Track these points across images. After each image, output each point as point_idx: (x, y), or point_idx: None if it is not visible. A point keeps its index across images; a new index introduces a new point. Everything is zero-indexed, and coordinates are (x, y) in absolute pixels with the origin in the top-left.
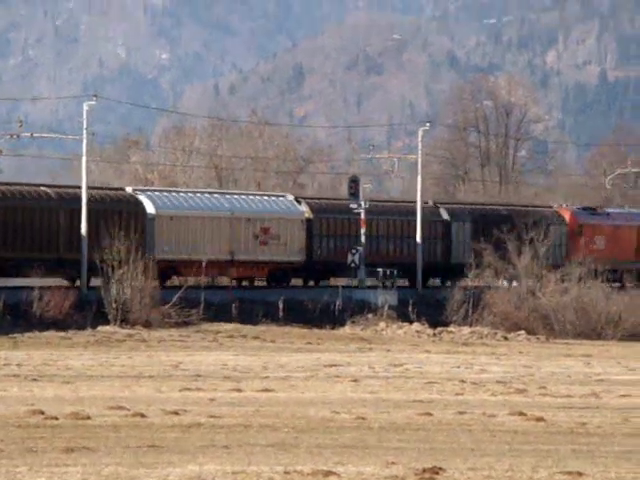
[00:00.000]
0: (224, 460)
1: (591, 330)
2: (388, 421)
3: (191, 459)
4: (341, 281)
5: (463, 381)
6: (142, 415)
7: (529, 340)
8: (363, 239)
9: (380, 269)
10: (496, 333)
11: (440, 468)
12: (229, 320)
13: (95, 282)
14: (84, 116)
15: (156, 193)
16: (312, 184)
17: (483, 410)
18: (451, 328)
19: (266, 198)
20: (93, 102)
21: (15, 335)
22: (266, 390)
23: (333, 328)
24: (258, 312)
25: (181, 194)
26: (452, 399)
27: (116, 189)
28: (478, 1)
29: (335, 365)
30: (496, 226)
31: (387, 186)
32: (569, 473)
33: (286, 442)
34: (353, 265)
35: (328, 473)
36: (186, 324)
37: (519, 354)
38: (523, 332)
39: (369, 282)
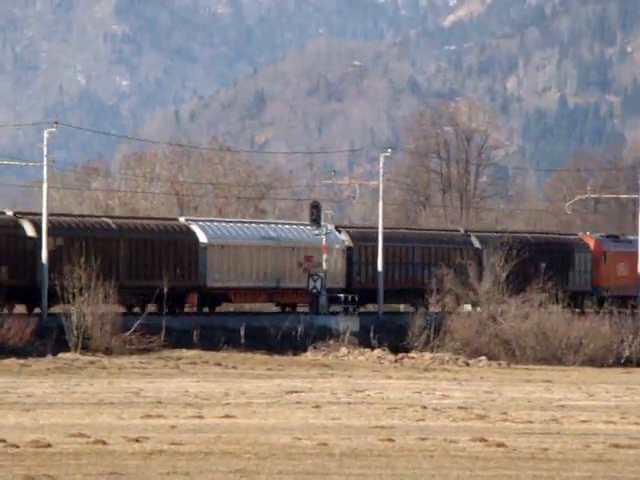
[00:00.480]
0: None
1: (552, 355)
2: (350, 447)
3: None
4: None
5: (425, 407)
6: (103, 442)
7: (490, 366)
8: (325, 265)
9: (342, 295)
10: (458, 359)
11: None
12: (191, 346)
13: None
14: (45, 143)
15: (207, 223)
16: (273, 210)
17: (445, 436)
18: (413, 354)
19: (309, 228)
20: (54, 129)
21: None
22: (228, 417)
23: (295, 354)
24: (220, 338)
25: (230, 224)
26: (414, 425)
27: (169, 219)
28: (438, 27)
29: (297, 391)
30: (525, 253)
31: (348, 212)
32: None
33: (248, 469)
34: (315, 291)
35: None
36: (147, 351)
37: (480, 380)
38: (484, 358)
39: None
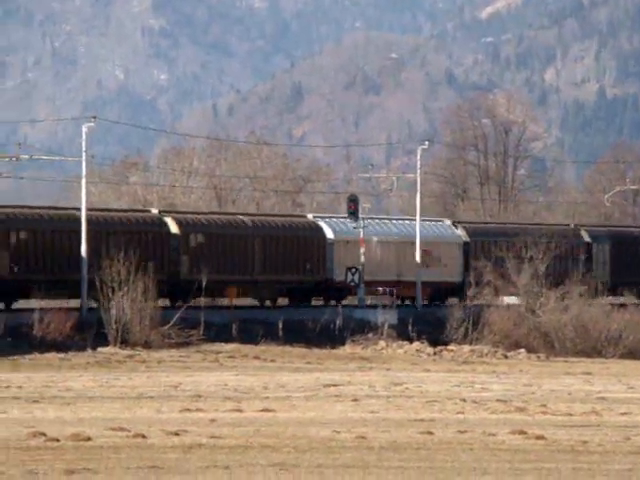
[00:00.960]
0: None
1: (591, 348)
2: (389, 440)
3: None
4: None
5: (464, 400)
6: (143, 436)
7: (529, 358)
8: (362, 258)
9: (380, 288)
10: (496, 351)
11: None
12: (229, 340)
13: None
14: (83, 138)
15: (333, 219)
16: (311, 203)
17: (484, 429)
18: (451, 347)
19: (427, 223)
20: (92, 124)
21: (16, 357)
22: (267, 410)
23: (333, 347)
24: (258, 332)
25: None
26: (453, 418)
27: (298, 216)
28: (476, 19)
29: (335, 385)
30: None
31: (386, 205)
32: None
33: (287, 462)
34: (353, 284)
35: None
36: (186, 344)
37: (519, 372)
38: (523, 350)
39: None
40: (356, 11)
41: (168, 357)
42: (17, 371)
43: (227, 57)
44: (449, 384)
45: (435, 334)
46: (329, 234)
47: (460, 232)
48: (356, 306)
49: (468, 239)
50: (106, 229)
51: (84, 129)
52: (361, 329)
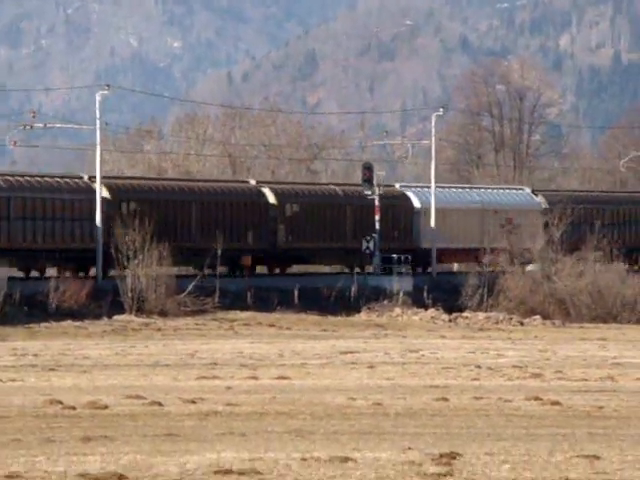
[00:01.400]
0: (241, 447)
1: (607, 314)
2: (404, 407)
3: (209, 447)
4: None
5: (479, 366)
6: (159, 404)
7: (544, 324)
8: (377, 226)
9: (395, 255)
10: (511, 318)
11: (457, 453)
12: (245, 308)
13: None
14: (97, 106)
15: (418, 189)
16: (326, 171)
17: (499, 395)
18: (466, 313)
19: (507, 191)
20: (106, 92)
21: (32, 325)
22: (282, 377)
23: (348, 315)
24: (273, 299)
25: (438, 189)
26: (468, 384)
27: (387, 186)
28: None
29: (351, 352)
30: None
31: (401, 172)
32: (586, 457)
33: (303, 429)
34: (368, 252)
35: (345, 459)
36: (202, 312)
37: (535, 338)
38: (538, 317)
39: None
40: None
41: (184, 325)
42: (33, 339)
43: (241, 23)
44: (464, 351)
45: (450, 301)
46: (416, 203)
47: (540, 199)
48: (371, 273)
49: (547, 206)
50: (215, 200)
51: (98, 97)
52: (376, 296)
